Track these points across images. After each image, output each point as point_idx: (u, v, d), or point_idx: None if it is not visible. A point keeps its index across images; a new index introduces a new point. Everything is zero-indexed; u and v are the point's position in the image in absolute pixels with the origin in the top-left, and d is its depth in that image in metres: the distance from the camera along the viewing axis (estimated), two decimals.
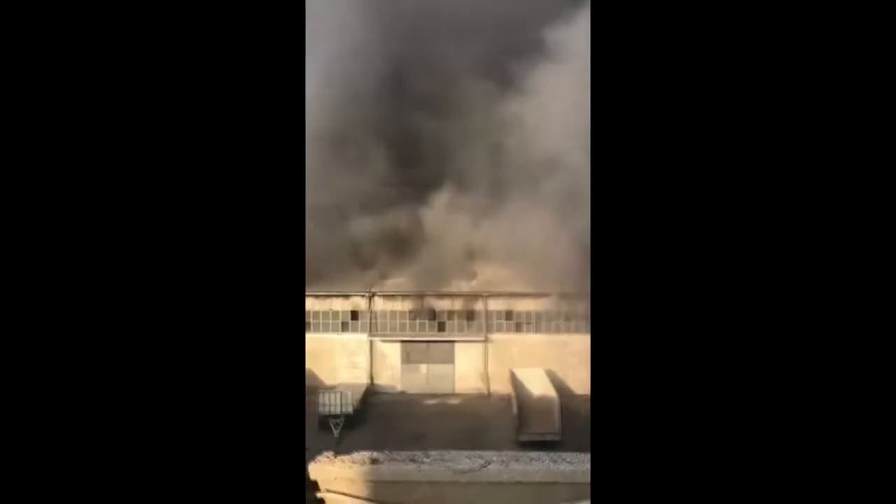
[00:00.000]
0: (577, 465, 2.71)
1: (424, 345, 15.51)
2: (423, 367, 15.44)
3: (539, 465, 2.68)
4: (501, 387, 14.24)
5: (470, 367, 15.48)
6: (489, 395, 14.65)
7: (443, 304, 15.64)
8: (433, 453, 2.92)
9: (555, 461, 2.75)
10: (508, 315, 15.69)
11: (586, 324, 14.50)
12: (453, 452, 2.94)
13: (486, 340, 15.67)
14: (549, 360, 14.72)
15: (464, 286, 15.62)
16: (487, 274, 15.12)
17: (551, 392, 12.40)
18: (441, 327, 15.64)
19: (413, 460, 3.07)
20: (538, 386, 12.79)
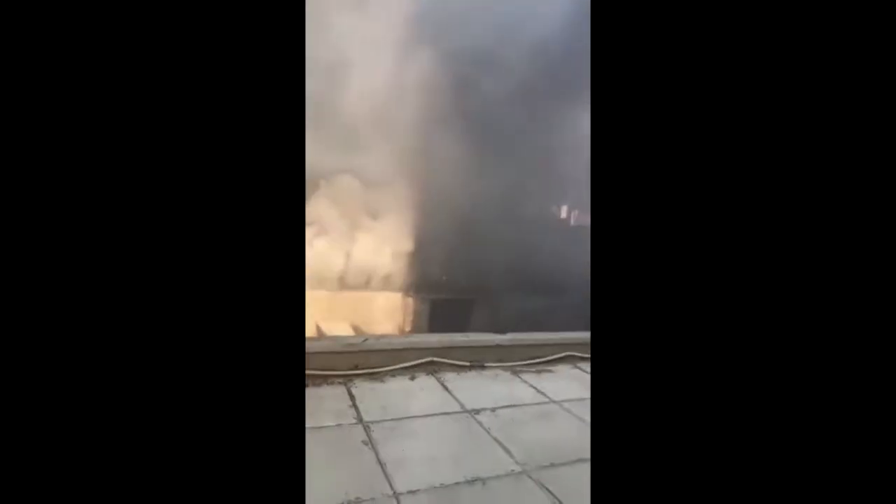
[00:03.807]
0: (420, 338, 4.20)
1: None
2: None
3: (402, 340, 4.00)
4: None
5: None
6: None
7: None
8: (328, 336, 3.94)
9: (406, 336, 4.15)
10: None
11: (389, 283, 16.60)
12: (342, 334, 4.02)
13: None
14: (354, 314, 16.21)
15: None
16: None
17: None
18: None
19: (313, 339, 4.12)
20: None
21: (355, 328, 13.50)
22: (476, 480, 2.75)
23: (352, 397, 3.76)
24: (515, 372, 4.64)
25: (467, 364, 4.58)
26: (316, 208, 15.15)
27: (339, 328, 13.12)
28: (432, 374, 4.37)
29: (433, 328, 12.93)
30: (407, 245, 15.43)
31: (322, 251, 15.51)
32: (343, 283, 15.93)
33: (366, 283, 15.85)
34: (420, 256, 15.10)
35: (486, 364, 4.67)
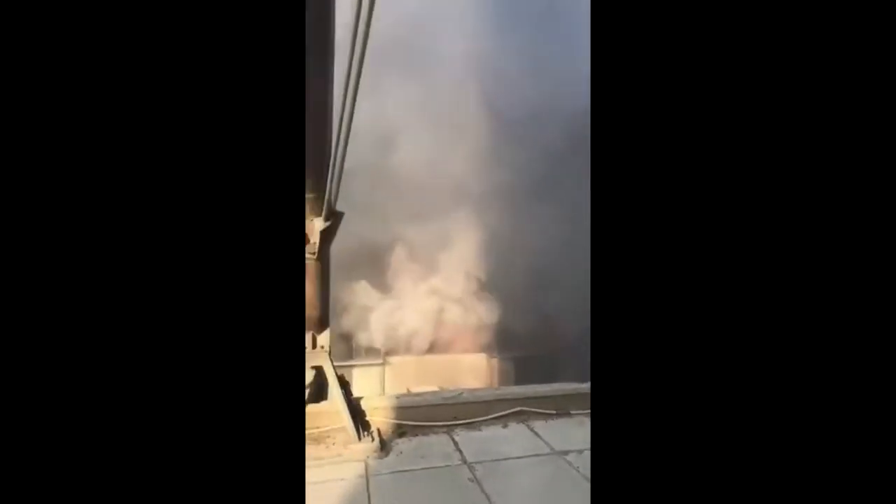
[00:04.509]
0: (508, 390, 4.74)
1: None
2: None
3: (493, 392, 4.59)
4: None
5: (367, 388, 16.73)
6: None
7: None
8: (427, 391, 4.64)
9: (496, 389, 4.75)
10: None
11: (476, 345, 17.07)
12: (438, 390, 4.68)
13: (383, 363, 17.33)
14: (441, 377, 16.78)
15: None
16: None
17: None
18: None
19: (417, 395, 4.83)
20: None
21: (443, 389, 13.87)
22: None
23: (455, 443, 4.36)
24: None
25: (553, 412, 5.02)
26: (395, 276, 16.34)
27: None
28: (522, 422, 4.86)
29: (519, 382, 13.08)
30: (485, 305, 16.02)
31: (403, 317, 16.46)
32: (429, 348, 16.66)
33: (448, 346, 16.46)
34: (499, 316, 15.59)
35: (572, 412, 5.07)
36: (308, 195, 3.10)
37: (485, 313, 15.96)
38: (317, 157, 2.88)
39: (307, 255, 3.46)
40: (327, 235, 3.43)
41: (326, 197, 3.14)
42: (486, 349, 16.40)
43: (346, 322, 16.63)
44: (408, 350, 16.14)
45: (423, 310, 16.28)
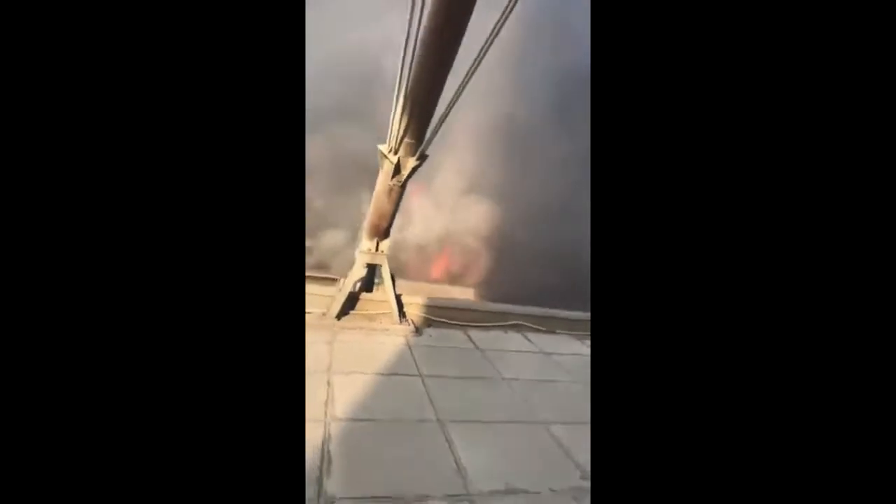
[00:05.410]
0: (511, 307, 6.35)
1: None
2: None
3: (499, 306, 6.11)
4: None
5: None
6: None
7: None
8: (452, 298, 6.16)
9: (503, 305, 6.27)
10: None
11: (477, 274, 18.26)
12: (459, 298, 6.16)
13: (380, 282, 18.59)
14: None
15: None
16: None
17: None
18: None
19: (442, 299, 6.40)
20: None
21: None
22: (551, 381, 4.77)
23: (469, 337, 5.88)
24: (579, 337, 6.56)
25: (542, 329, 6.56)
26: (406, 203, 16.83)
27: None
28: (519, 332, 6.40)
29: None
30: (494, 241, 16.72)
31: (398, 236, 17.21)
32: (431, 277, 17.78)
33: (453, 279, 17.65)
34: (507, 253, 16.24)
35: (558, 331, 6.62)
36: (410, 140, 4.27)
37: (482, 238, 16.50)
38: (423, 113, 4.03)
39: (394, 182, 4.69)
40: (412, 172, 4.64)
41: (422, 145, 4.33)
42: (477, 285, 17.64)
43: (337, 238, 16.43)
44: (403, 274, 17.30)
45: (419, 232, 16.77)
